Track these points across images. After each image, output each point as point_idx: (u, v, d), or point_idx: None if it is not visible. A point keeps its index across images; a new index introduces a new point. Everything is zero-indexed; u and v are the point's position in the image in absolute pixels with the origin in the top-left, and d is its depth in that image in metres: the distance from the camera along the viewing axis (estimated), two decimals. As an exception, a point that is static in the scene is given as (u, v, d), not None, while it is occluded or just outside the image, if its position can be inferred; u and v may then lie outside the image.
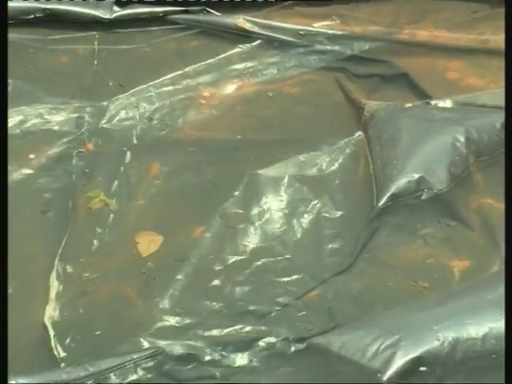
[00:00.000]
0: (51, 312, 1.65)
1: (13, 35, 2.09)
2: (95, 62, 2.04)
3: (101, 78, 2.02)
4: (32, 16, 2.12)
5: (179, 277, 1.70)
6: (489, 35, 2.08)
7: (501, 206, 1.79)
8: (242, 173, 1.81)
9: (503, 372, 1.48)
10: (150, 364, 1.55)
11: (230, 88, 2.01)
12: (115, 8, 2.12)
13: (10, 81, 1.98)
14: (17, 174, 1.85)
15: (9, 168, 1.86)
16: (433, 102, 1.93)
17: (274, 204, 1.79)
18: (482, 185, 1.80)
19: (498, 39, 2.05)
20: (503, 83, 1.97)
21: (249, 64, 2.06)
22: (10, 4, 2.13)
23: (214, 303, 1.66)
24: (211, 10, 2.14)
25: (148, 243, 1.76)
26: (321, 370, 1.55)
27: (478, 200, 1.79)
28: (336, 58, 2.07)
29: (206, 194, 1.82)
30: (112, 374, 1.53)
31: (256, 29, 2.10)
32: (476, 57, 2.03)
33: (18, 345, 1.61)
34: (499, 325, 1.54)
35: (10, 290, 1.68)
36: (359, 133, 1.87)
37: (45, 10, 2.12)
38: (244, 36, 2.11)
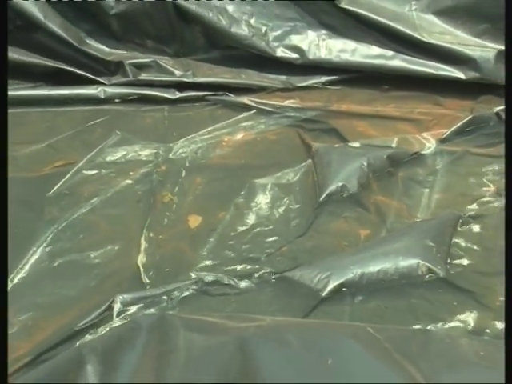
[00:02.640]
0: (141, 258, 1.64)
1: (122, 107, 2.09)
2: (165, 122, 2.02)
3: (169, 131, 1.99)
4: (131, 97, 2.10)
5: (211, 239, 1.69)
6: (380, 107, 2.05)
7: (386, 199, 1.76)
8: (245, 181, 1.81)
9: (386, 291, 1.52)
10: (195, 287, 1.56)
11: (238, 136, 1.98)
12: (176, 92, 2.10)
13: (118, 132, 1.97)
14: (123, 183, 1.83)
15: (118, 179, 1.85)
16: (349, 144, 1.90)
17: (263, 199, 1.78)
18: (376, 189, 1.79)
19: (386, 109, 2.05)
20: (390, 134, 1.96)
21: (249, 123, 2.03)
22: (120, 90, 2.14)
23: (230, 253, 1.65)
24: (229, 94, 2.11)
25: (194, 220, 1.75)
26: (289, 290, 1.55)
27: (374, 197, 1.77)
28: (296, 120, 2.04)
29: (226, 193, 1.80)
30: (175, 292, 1.54)
31: (253, 104, 2.07)
32: (372, 119, 2.01)
33: (122, 277, 1.61)
34: (386, 265, 1.54)
35: (118, 247, 1.67)
36: (309, 160, 1.85)
37: (138, 93, 2.11)
38: (247, 108, 2.08)
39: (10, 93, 2.14)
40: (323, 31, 2.15)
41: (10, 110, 2.08)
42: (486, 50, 2.11)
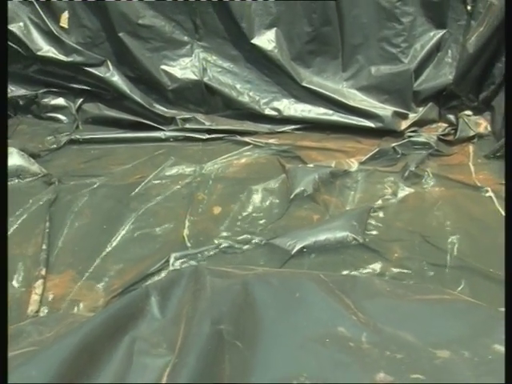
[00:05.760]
0: (186, 232, 1.60)
1: (174, 144, 2.06)
2: (200, 152, 1.97)
3: (202, 158, 1.93)
4: (180, 138, 2.08)
5: (226, 221, 1.64)
6: (325, 144, 2.01)
7: (329, 198, 1.73)
8: (246, 187, 1.76)
9: (329, 251, 1.50)
10: (217, 249, 1.52)
11: (242, 160, 1.93)
12: (206, 135, 2.05)
13: (173, 158, 1.93)
14: (175, 187, 1.78)
15: (172, 186, 1.80)
16: (307, 165, 1.85)
17: (256, 197, 1.73)
18: (323, 191, 1.73)
19: (328, 145, 2.00)
20: (331, 159, 1.91)
21: (248, 153, 1.97)
22: (173, 134, 2.07)
23: (238, 228, 1.61)
24: (237, 136, 2.06)
25: (216, 210, 1.70)
26: (272, 251, 1.51)
27: (322, 196, 1.72)
28: (276, 151, 1.99)
29: (235, 194, 1.74)
30: (205, 252, 1.50)
31: (251, 141, 2.01)
32: (320, 151, 1.96)
33: (174, 243, 1.56)
34: (329, 236, 1.51)
35: (172, 225, 1.62)
36: (284, 175, 1.80)
37: (184, 135, 2.09)
38: (247, 144, 2.02)
39: (108, 135, 2.11)
40: (292, 99, 2.11)
41: (108, 146, 2.10)
42: (386, 110, 2.07)
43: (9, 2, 2.02)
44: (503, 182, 1.75)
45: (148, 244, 1.57)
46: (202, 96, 2.12)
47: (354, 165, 1.89)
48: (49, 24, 2.04)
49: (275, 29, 2.03)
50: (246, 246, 1.54)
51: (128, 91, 2.10)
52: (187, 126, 2.11)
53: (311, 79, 2.08)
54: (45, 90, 2.17)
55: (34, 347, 0.94)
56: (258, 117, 2.11)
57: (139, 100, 2.10)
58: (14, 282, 1.42)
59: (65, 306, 1.36)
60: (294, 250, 1.49)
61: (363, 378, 0.89)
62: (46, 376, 0.84)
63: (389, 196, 1.74)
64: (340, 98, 2.07)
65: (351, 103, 2.07)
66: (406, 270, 1.44)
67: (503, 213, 1.62)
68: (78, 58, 2.07)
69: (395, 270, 1.43)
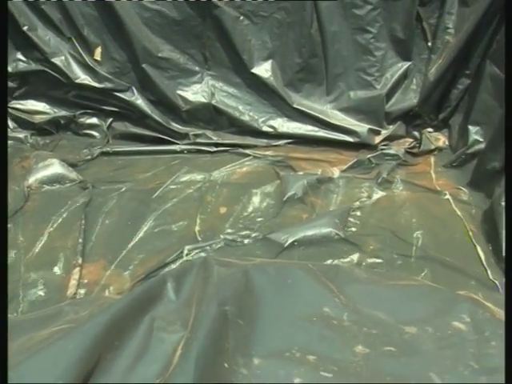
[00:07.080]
0: (197, 228, 1.57)
1: (188, 155, 2.03)
2: (209, 162, 1.94)
3: (210, 167, 1.89)
4: (192, 150, 2.06)
5: (231, 219, 1.61)
6: (312, 155, 1.98)
7: (315, 200, 1.70)
8: (247, 191, 1.73)
9: (316, 244, 1.48)
10: (222, 242, 1.50)
11: (244, 169, 1.90)
12: (214, 148, 2.02)
13: (186, 167, 1.91)
14: (188, 191, 1.75)
15: (185, 190, 1.78)
16: (297, 173, 1.82)
17: (255, 199, 1.71)
18: (311, 194, 1.71)
19: (315, 156, 1.98)
20: (317, 168, 1.90)
21: (249, 163, 1.94)
22: (186, 147, 2.03)
23: (240, 225, 1.58)
24: (240, 149, 2.02)
25: (222, 210, 1.66)
26: (268, 244, 1.48)
27: (310, 198, 1.69)
28: (272, 161, 1.95)
29: (237, 197, 1.71)
30: (213, 245, 1.48)
31: (251, 153, 1.98)
32: (308, 161, 1.92)
33: (187, 238, 1.53)
34: (315, 231, 1.48)
35: (185, 223, 1.59)
36: (278, 181, 1.77)
37: (195, 148, 2.07)
38: (248, 155, 1.98)
39: (133, 148, 2.08)
40: (285, 118, 2.09)
41: (133, 157, 2.06)
42: (362, 127, 2.05)
43: (52, 39, 2.03)
44: (459, 187, 1.76)
45: (166, 238, 1.55)
46: (210, 116, 2.11)
47: (336, 173, 1.87)
48: (85, 57, 2.07)
49: (271, 60, 2.04)
50: (246, 240, 1.52)
51: (149, 112, 2.09)
52: (198, 140, 2.09)
53: (301, 102, 2.08)
54: (81, 111, 2.17)
55: (71, 324, 0.94)
56: (257, 133, 2.10)
57: (159, 119, 2.09)
58: (56, 269, 1.41)
59: (97, 290, 1.35)
60: (287, 244, 1.47)
61: (344, 349, 0.88)
62: (81, 348, 0.83)
63: (365, 198, 1.73)
64: (324, 118, 2.06)
65: (334, 122, 2.06)
66: (378, 260, 1.42)
67: (459, 212, 1.63)
68: (108, 85, 2.08)
69: (370, 260, 1.42)
